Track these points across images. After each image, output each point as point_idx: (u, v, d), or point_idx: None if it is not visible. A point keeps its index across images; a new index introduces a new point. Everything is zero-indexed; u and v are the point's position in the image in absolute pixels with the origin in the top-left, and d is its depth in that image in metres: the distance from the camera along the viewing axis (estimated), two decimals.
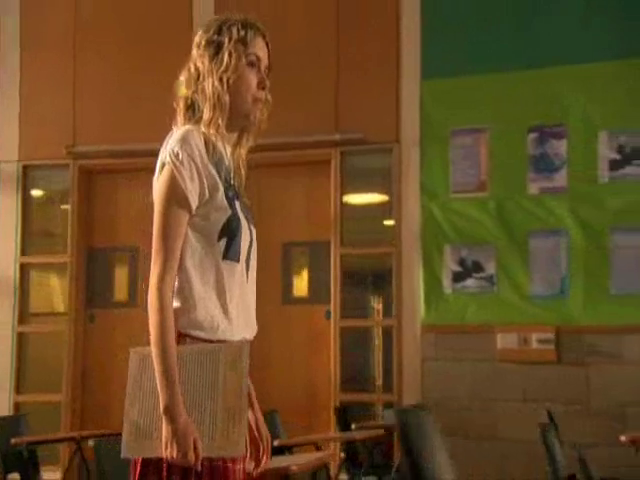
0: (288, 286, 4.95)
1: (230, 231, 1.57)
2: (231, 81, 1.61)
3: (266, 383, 4.40)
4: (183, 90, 1.63)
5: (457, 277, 4.51)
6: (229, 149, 1.64)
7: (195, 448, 1.45)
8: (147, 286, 1.51)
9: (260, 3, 4.54)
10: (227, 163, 1.62)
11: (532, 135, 4.43)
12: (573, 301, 4.28)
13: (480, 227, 4.49)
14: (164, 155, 1.57)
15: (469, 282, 4.48)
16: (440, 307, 4.50)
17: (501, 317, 4.38)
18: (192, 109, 1.63)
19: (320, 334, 4.82)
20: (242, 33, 1.64)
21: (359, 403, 4.69)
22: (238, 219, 1.58)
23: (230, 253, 1.57)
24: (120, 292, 5.03)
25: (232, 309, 1.56)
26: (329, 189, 4.85)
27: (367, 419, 4.42)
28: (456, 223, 4.54)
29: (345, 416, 4.23)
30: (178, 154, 1.55)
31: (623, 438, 3.25)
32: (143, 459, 1.50)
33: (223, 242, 1.57)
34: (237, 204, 1.59)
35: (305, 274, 4.99)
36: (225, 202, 1.57)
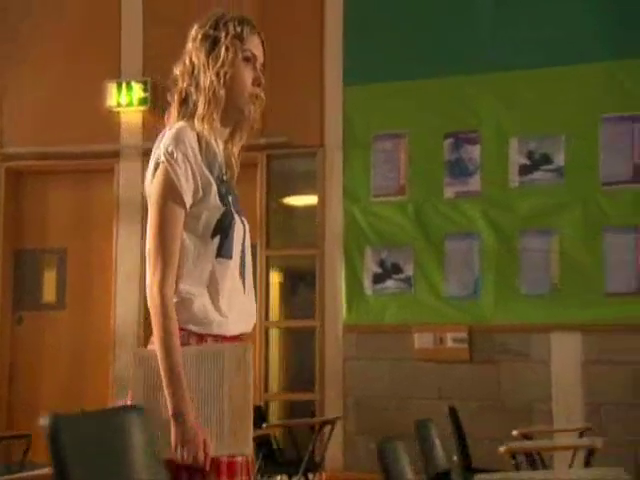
0: None
1: (223, 229, 1.66)
2: (227, 76, 1.69)
3: None
4: (179, 83, 1.71)
5: (377, 278, 4.86)
6: (221, 144, 1.73)
7: (205, 449, 1.52)
8: (149, 286, 1.60)
9: (189, 6, 4.81)
10: (220, 159, 1.71)
11: (448, 141, 4.79)
12: (485, 301, 4.66)
13: (399, 230, 4.84)
14: (158, 154, 1.65)
15: (389, 283, 4.83)
16: (361, 308, 4.86)
17: (418, 317, 4.75)
18: (186, 103, 1.71)
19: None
20: (239, 29, 1.72)
21: (284, 402, 5.02)
22: (232, 215, 1.67)
23: (223, 251, 1.66)
24: (49, 294, 5.32)
25: (225, 304, 1.65)
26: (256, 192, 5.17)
27: (290, 418, 4.76)
28: (377, 226, 4.90)
29: (266, 415, 4.56)
30: (173, 153, 1.63)
31: (515, 432, 3.62)
32: None
33: (217, 240, 1.65)
34: (230, 199, 1.69)
35: None
36: (218, 200, 1.65)
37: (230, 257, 1.66)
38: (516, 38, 4.68)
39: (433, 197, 4.82)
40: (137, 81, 5.15)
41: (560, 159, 4.56)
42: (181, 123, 1.68)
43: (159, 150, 1.65)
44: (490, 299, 4.65)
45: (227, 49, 1.70)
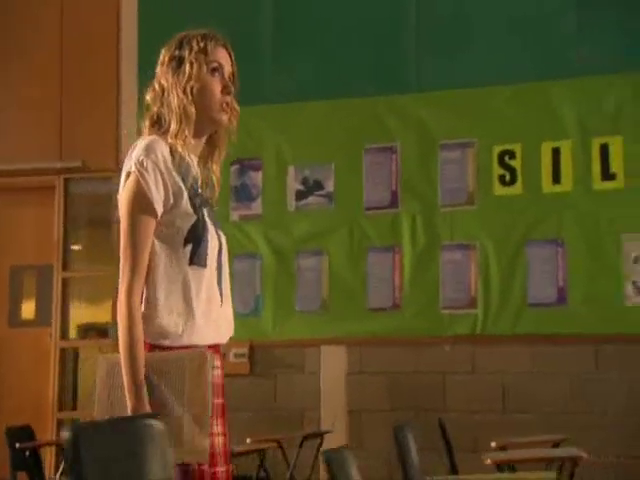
0: (15, 309, 6.21)
1: (196, 236, 1.93)
2: (195, 90, 1.99)
3: None
4: (151, 108, 2.01)
5: None
6: (195, 159, 2.03)
7: None
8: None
9: None
10: (194, 172, 1.99)
11: (234, 167, 5.90)
12: (265, 318, 5.76)
13: None
14: (129, 165, 1.93)
15: None
16: None
17: None
18: (158, 123, 2.01)
19: (45, 355, 6.10)
20: (202, 44, 2.03)
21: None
22: (204, 224, 1.95)
23: (196, 258, 1.93)
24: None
25: (199, 314, 1.91)
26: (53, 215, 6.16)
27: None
28: None
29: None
30: (143, 162, 1.90)
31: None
32: None
33: (189, 248, 1.92)
34: (205, 211, 1.97)
35: (32, 297, 6.26)
36: (190, 208, 1.93)
37: (204, 266, 1.95)
38: (293, 72, 5.84)
39: (220, 220, 5.90)
40: None
41: (330, 185, 5.73)
42: (153, 136, 1.99)
43: (130, 160, 1.95)
44: (269, 316, 5.76)
45: (191, 64, 2.01)
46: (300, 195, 5.83)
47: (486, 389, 5.26)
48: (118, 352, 1.90)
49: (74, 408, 6.09)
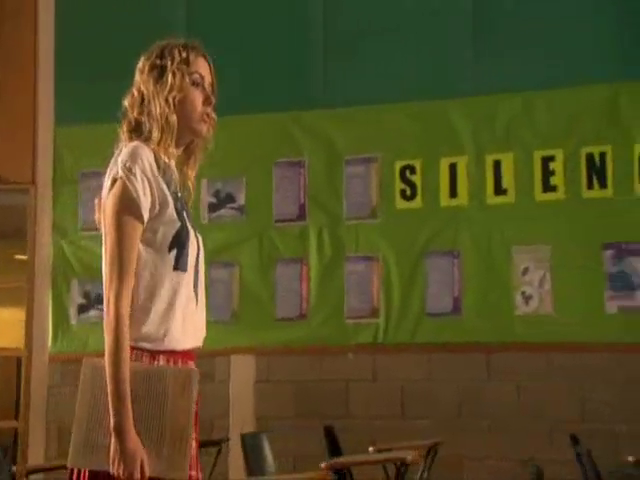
0: None
1: (180, 242, 2.10)
2: (177, 100, 2.17)
3: None
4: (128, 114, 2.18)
5: (82, 309, 6.41)
6: (173, 164, 2.21)
7: (142, 468, 1.91)
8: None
9: None
10: (175, 177, 2.18)
11: None
12: None
13: (97, 260, 6.40)
14: (115, 170, 2.08)
15: (92, 313, 6.40)
16: (66, 337, 6.39)
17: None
18: (137, 130, 2.17)
19: None
20: (184, 54, 2.22)
21: None
22: (187, 230, 2.14)
23: (180, 264, 2.10)
24: None
25: (179, 319, 2.07)
26: None
27: None
28: (83, 259, 6.44)
29: None
30: (131, 168, 2.05)
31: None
32: (90, 471, 2.00)
33: (173, 253, 2.09)
34: (185, 215, 2.16)
35: None
36: (174, 215, 2.10)
37: (185, 270, 2.12)
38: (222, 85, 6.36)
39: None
40: None
41: (242, 198, 6.27)
42: (137, 142, 2.14)
43: (116, 166, 2.09)
44: None
45: (174, 75, 2.18)
46: (213, 208, 6.37)
47: (386, 396, 5.83)
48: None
49: None
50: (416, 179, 5.89)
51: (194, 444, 2.12)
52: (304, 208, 6.18)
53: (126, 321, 2.01)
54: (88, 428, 2.02)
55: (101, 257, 5.77)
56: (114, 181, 2.10)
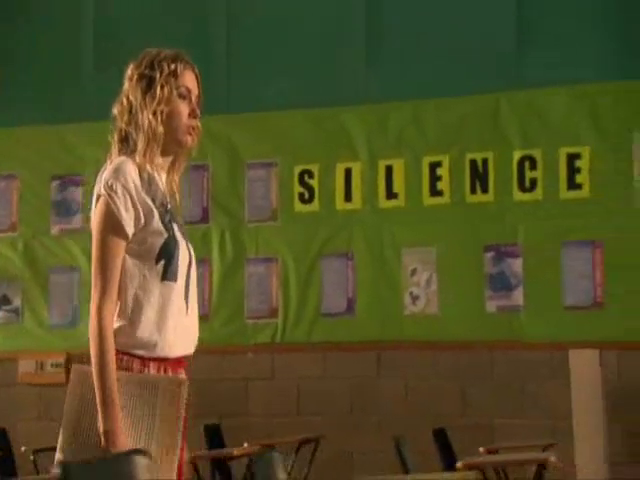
0: None
1: (168, 253, 2.30)
2: (164, 113, 2.37)
3: None
4: (117, 122, 2.39)
5: None
6: (164, 175, 2.42)
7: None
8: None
9: None
10: (162, 188, 2.37)
11: (55, 182, 7.06)
12: (83, 329, 6.85)
13: (10, 264, 7.00)
14: (99, 187, 2.32)
15: None
16: None
17: (24, 345, 6.89)
18: (126, 141, 2.38)
19: None
20: (173, 67, 2.41)
21: None
22: (175, 241, 2.33)
23: (168, 274, 2.30)
24: None
25: (171, 327, 2.28)
26: None
27: None
28: None
29: None
30: (112, 185, 2.27)
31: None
32: None
33: (161, 264, 2.29)
34: (174, 226, 2.35)
35: None
36: (161, 226, 2.30)
37: (175, 280, 2.33)
38: (113, 90, 6.97)
39: (40, 234, 7.01)
40: None
41: None
42: (122, 157, 2.36)
43: (100, 183, 2.33)
44: (86, 327, 6.83)
45: (162, 87, 2.39)
46: None
47: (283, 393, 6.46)
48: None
49: None
50: (314, 183, 6.55)
51: (180, 453, 2.33)
52: (207, 211, 6.81)
53: (109, 331, 2.26)
54: (76, 431, 2.24)
55: (7, 259, 6.29)
56: (98, 197, 2.36)
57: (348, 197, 6.48)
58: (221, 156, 6.80)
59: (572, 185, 5.91)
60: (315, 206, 6.56)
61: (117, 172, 2.31)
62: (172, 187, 2.49)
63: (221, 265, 6.71)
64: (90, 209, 2.42)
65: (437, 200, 6.21)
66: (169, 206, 2.41)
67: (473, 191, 6.12)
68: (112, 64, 7.50)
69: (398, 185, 6.35)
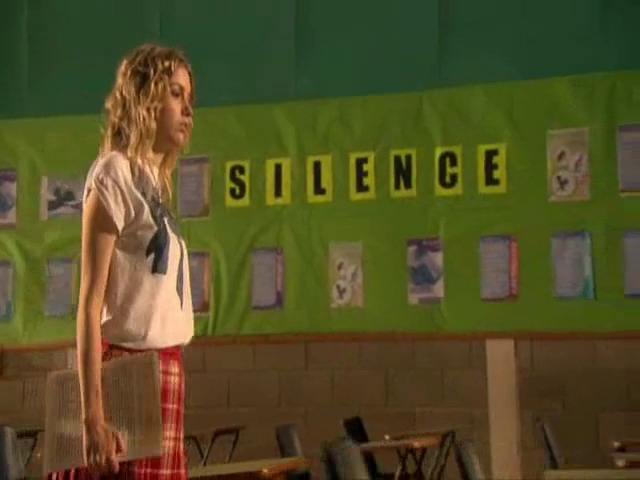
0: None
1: (157, 246, 2.43)
2: (157, 110, 2.51)
3: None
4: (110, 116, 2.53)
5: None
6: (156, 170, 2.56)
7: (118, 447, 2.26)
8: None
9: None
10: (154, 184, 2.51)
11: None
12: (16, 323, 7.32)
13: None
14: (90, 182, 2.45)
15: None
16: None
17: None
18: (119, 135, 2.51)
19: None
20: (166, 64, 2.55)
21: None
22: (165, 234, 2.46)
23: (159, 267, 2.43)
24: None
25: (160, 319, 2.42)
26: None
27: None
28: None
29: None
30: (102, 179, 2.41)
31: None
32: (67, 471, 2.33)
33: (151, 257, 2.43)
34: (165, 220, 2.49)
35: None
36: (151, 220, 2.43)
37: (165, 273, 2.46)
38: (48, 88, 7.44)
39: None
40: None
41: (80, 196, 7.26)
42: (113, 152, 2.48)
43: (91, 178, 2.45)
44: (20, 321, 7.32)
45: (156, 84, 2.52)
46: (52, 205, 7.43)
47: (215, 386, 6.94)
48: None
49: None
50: (245, 179, 7.04)
51: (172, 443, 2.45)
52: None
53: (96, 322, 2.38)
54: (59, 434, 2.36)
55: None
56: (89, 192, 2.48)
57: (278, 192, 6.97)
58: None
59: (490, 181, 6.45)
60: (246, 201, 7.05)
61: (108, 167, 2.44)
62: (164, 182, 2.62)
63: None
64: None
65: (363, 195, 6.73)
66: (160, 200, 2.54)
67: (397, 187, 6.64)
68: (47, 62, 8.00)
69: (326, 181, 6.85)
